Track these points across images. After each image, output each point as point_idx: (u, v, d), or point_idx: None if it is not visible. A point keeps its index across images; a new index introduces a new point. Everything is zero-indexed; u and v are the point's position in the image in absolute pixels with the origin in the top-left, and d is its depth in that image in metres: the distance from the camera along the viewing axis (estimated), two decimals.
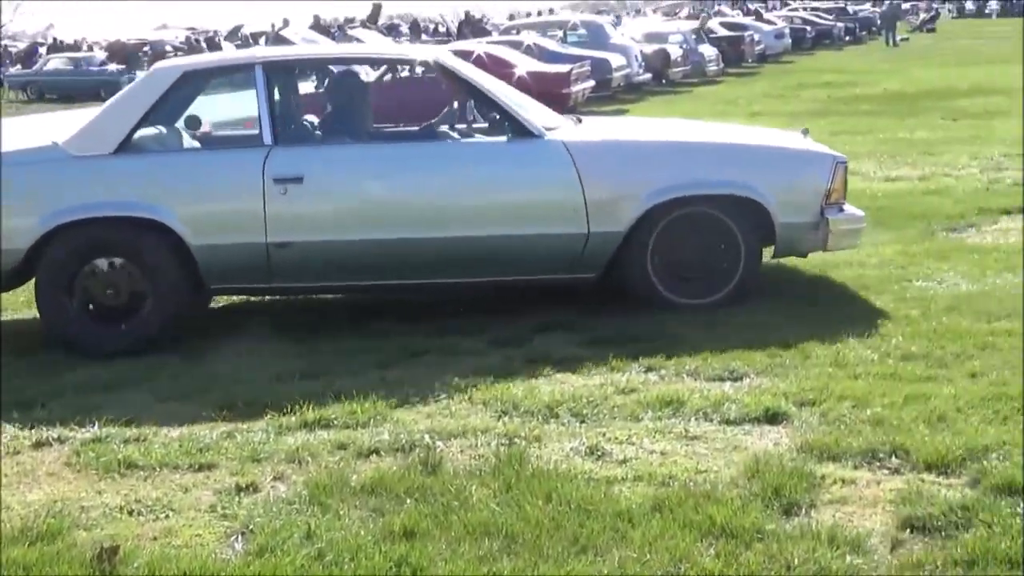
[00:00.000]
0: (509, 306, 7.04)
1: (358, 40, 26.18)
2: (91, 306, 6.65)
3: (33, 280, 6.80)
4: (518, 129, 6.87)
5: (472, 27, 38.37)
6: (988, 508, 3.93)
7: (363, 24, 36.62)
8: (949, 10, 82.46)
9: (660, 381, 5.59)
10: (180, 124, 7.25)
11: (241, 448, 4.90)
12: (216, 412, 5.36)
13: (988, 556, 3.62)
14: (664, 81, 29.21)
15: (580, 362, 5.95)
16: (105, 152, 6.70)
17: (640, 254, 6.78)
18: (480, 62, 17.13)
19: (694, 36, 32.61)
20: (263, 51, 8.17)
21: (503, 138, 6.93)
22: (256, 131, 6.84)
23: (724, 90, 27.63)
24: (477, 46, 22.62)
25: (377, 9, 30.24)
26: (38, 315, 6.81)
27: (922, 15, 65.26)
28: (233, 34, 40.14)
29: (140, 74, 32.26)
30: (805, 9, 56.82)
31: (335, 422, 5.18)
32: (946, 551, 3.70)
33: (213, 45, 36.08)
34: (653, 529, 3.91)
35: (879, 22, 56.11)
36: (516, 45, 24.23)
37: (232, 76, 7.66)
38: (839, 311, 6.57)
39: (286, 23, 34.05)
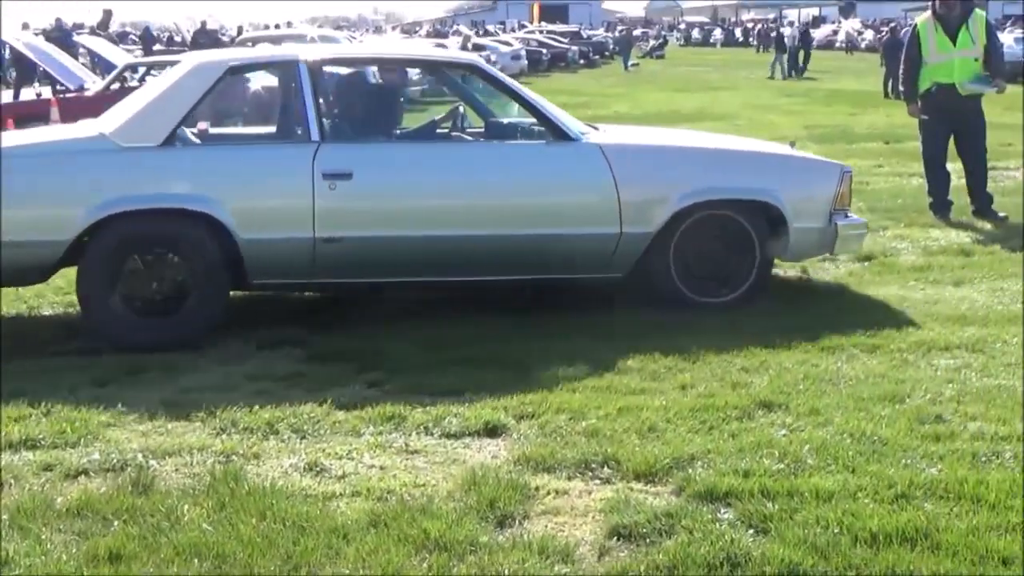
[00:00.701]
0: (237, 322, 6.92)
1: (84, 47, 25.15)
2: (134, 299, 6.59)
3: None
4: (556, 132, 7.06)
5: (208, 37, 37.53)
6: (690, 515, 4.09)
7: (92, 30, 35.29)
8: (677, 38, 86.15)
9: (383, 396, 5.59)
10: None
11: None
12: None
13: (688, 561, 3.76)
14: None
15: (303, 378, 5.92)
16: (153, 144, 6.64)
17: (664, 254, 7.05)
18: None
19: None
20: (306, 48, 8.29)
21: (542, 141, 7.11)
22: (302, 126, 6.85)
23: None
24: None
25: (107, 15, 29.24)
26: (79, 307, 6.72)
27: (652, 42, 67.86)
28: None
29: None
30: (541, 32, 58.23)
31: (42, 442, 4.96)
32: (650, 557, 3.82)
33: None
34: (368, 544, 3.90)
35: (612, 47, 58.03)
36: None
37: (276, 72, 7.82)
38: (559, 326, 6.73)
39: (25, 26, 32.48)
